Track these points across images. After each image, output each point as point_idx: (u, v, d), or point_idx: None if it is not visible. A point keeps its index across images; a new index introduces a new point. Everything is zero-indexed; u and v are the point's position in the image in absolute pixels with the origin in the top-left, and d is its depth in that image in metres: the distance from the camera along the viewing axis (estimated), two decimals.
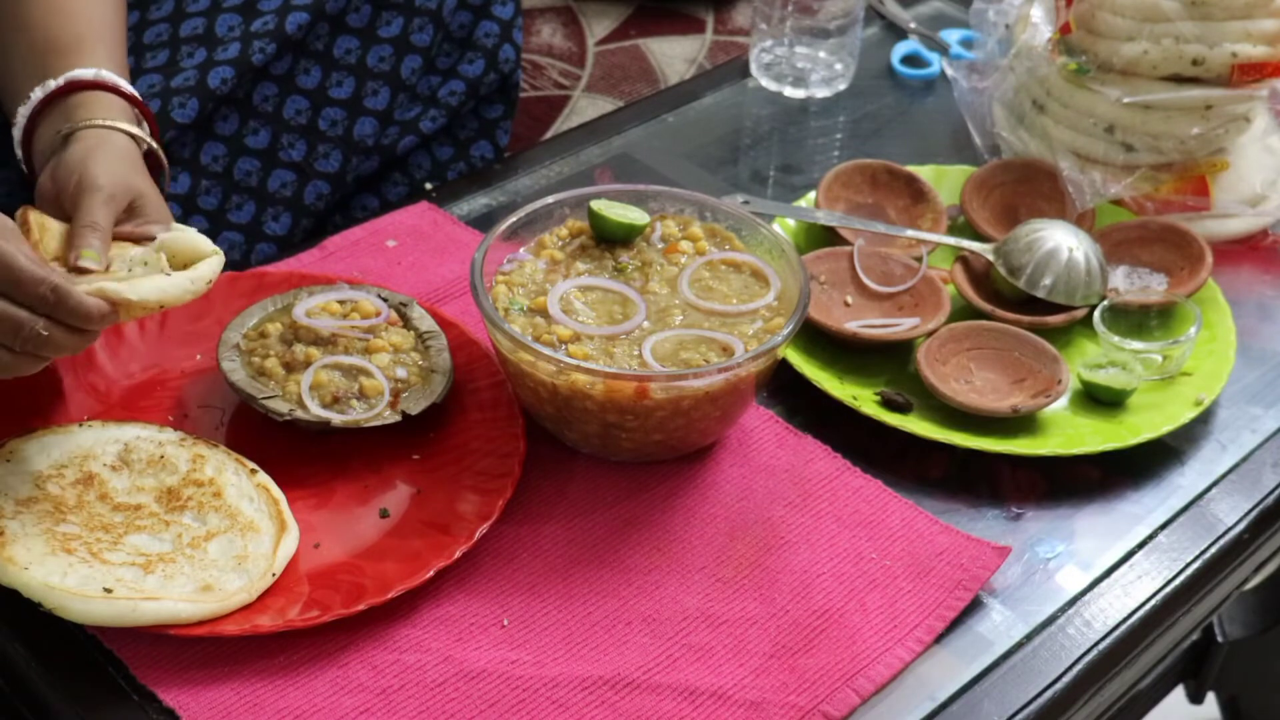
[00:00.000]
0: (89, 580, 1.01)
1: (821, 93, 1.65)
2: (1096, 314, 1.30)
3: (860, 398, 1.24)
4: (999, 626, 1.09)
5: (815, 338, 1.28)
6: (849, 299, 1.32)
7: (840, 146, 1.59)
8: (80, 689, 1.01)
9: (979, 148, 1.54)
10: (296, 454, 1.15)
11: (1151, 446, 1.23)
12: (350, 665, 1.02)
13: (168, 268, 1.09)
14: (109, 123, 1.17)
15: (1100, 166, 1.44)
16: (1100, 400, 1.26)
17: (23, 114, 1.20)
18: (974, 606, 1.10)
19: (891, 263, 1.34)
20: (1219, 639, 1.76)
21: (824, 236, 1.40)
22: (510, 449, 1.15)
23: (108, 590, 1.00)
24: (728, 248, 1.23)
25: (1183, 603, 1.16)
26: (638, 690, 1.02)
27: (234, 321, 1.21)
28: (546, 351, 1.10)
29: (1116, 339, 1.28)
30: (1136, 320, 1.32)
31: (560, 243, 1.23)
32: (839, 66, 1.65)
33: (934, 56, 1.71)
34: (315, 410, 1.14)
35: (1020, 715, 1.05)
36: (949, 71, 1.59)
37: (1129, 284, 1.37)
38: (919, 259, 1.34)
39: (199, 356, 1.23)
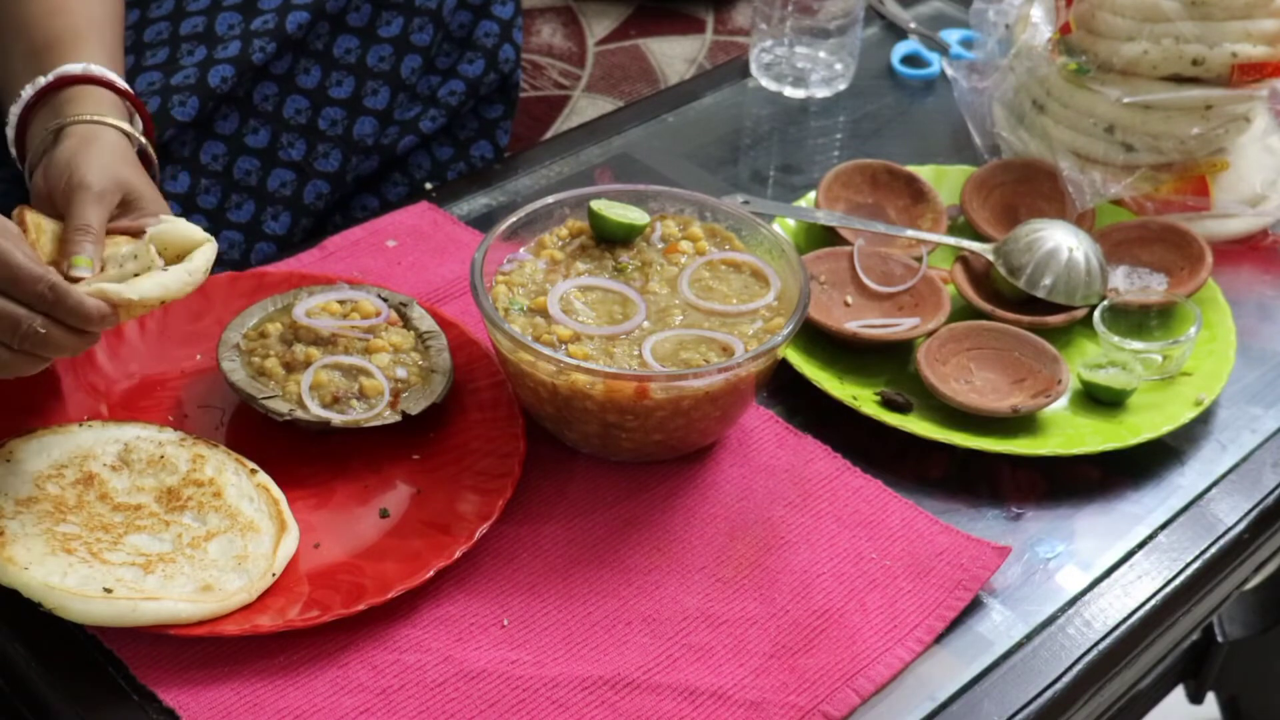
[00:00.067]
0: (89, 580, 1.01)
1: (821, 93, 1.65)
2: (1096, 314, 1.30)
3: (860, 398, 1.24)
4: (999, 626, 1.09)
5: (815, 338, 1.28)
6: (849, 299, 1.32)
7: (840, 146, 1.59)
8: (80, 689, 1.01)
9: (979, 148, 1.54)
10: (296, 454, 1.15)
11: (1151, 446, 1.23)
12: (350, 665, 1.02)
13: (158, 259, 1.09)
14: (97, 117, 1.16)
15: (1100, 166, 1.44)
16: (1100, 400, 1.26)
17: (14, 112, 1.20)
18: (974, 606, 1.10)
19: (891, 263, 1.34)
20: (1219, 639, 1.76)
21: (824, 236, 1.40)
22: (510, 449, 1.15)
23: (108, 590, 1.00)
24: (728, 248, 1.23)
25: (1183, 603, 1.16)
26: (638, 690, 1.02)
27: (234, 321, 1.21)
28: (546, 351, 1.10)
29: (1116, 339, 1.28)
30: (1136, 320, 1.32)
31: (560, 243, 1.23)
32: (839, 66, 1.65)
33: (934, 56, 1.71)
34: (315, 410, 1.14)
35: (1020, 715, 1.05)
36: (949, 71, 1.59)
37: (1129, 284, 1.37)
38: (919, 259, 1.34)
39: (199, 356, 1.23)
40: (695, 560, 1.11)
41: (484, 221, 1.42)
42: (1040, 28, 1.50)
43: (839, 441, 1.21)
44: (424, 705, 1.01)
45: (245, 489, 1.10)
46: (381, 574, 1.06)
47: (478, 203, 1.46)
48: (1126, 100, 1.41)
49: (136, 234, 1.12)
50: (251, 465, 1.12)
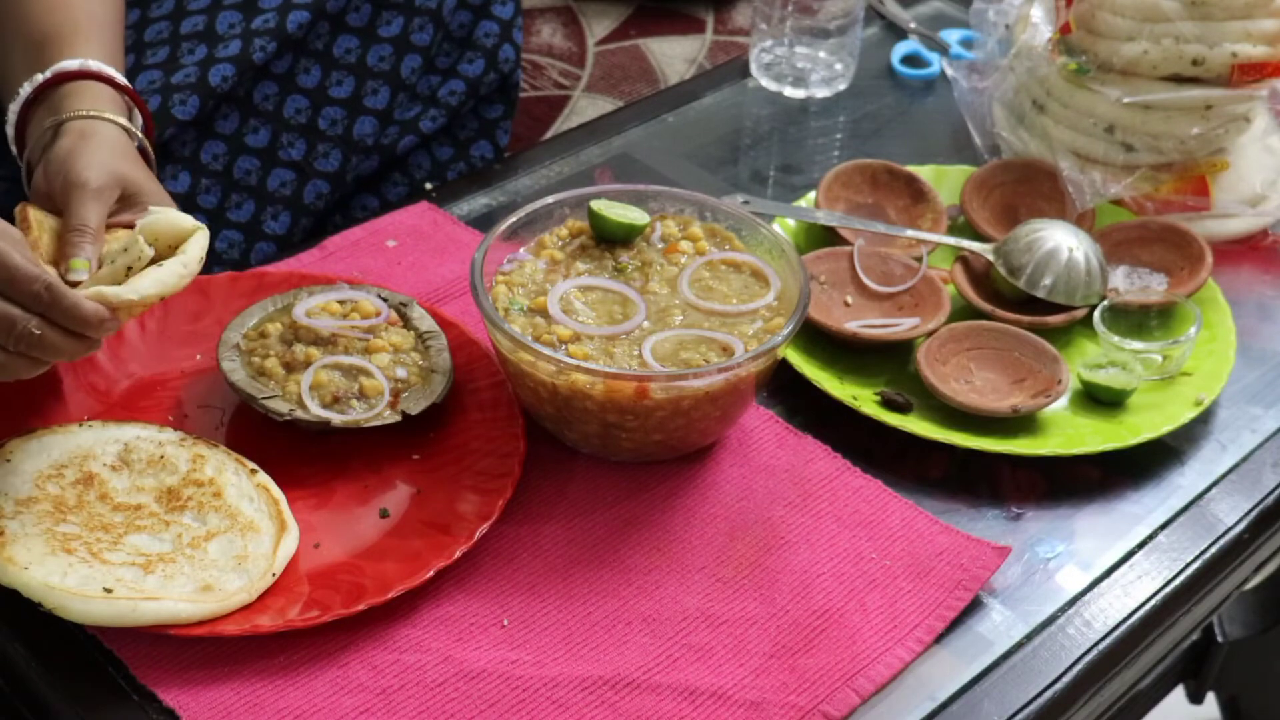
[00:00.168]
0: (89, 580, 1.01)
1: (821, 93, 1.65)
2: (1096, 314, 1.30)
3: (860, 398, 1.24)
4: (999, 626, 1.09)
5: (815, 338, 1.28)
6: (849, 299, 1.32)
7: (840, 146, 1.59)
8: (80, 689, 1.01)
9: (979, 148, 1.54)
10: (296, 454, 1.15)
11: (1151, 446, 1.23)
12: (350, 665, 1.02)
13: (148, 250, 1.09)
14: (95, 112, 1.16)
15: (1100, 166, 1.44)
16: (1100, 400, 1.26)
17: (13, 109, 1.20)
18: (974, 606, 1.10)
19: (891, 263, 1.34)
20: (1219, 639, 1.76)
21: (824, 236, 1.40)
22: (510, 449, 1.15)
23: (108, 590, 1.00)
24: (728, 248, 1.23)
25: (1183, 603, 1.16)
26: (638, 690, 1.02)
27: (234, 321, 1.21)
28: (546, 351, 1.10)
29: (1116, 339, 1.28)
30: (1136, 320, 1.32)
31: (560, 243, 1.23)
32: (839, 66, 1.65)
33: (934, 56, 1.71)
34: (315, 410, 1.14)
35: (1020, 715, 1.05)
36: (949, 71, 1.59)
37: (1129, 284, 1.37)
38: (919, 259, 1.34)
39: (199, 356, 1.23)
40: (695, 560, 1.11)
41: (484, 221, 1.42)
42: (1040, 28, 1.50)
43: (839, 441, 1.21)
44: (424, 705, 1.01)
45: (245, 489, 1.10)
46: (381, 574, 1.06)
47: (478, 203, 1.46)
48: (1126, 100, 1.41)
49: (132, 227, 1.12)
50: (251, 465, 1.12)
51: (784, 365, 1.24)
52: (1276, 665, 1.87)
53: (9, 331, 1.01)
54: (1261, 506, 1.21)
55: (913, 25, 1.77)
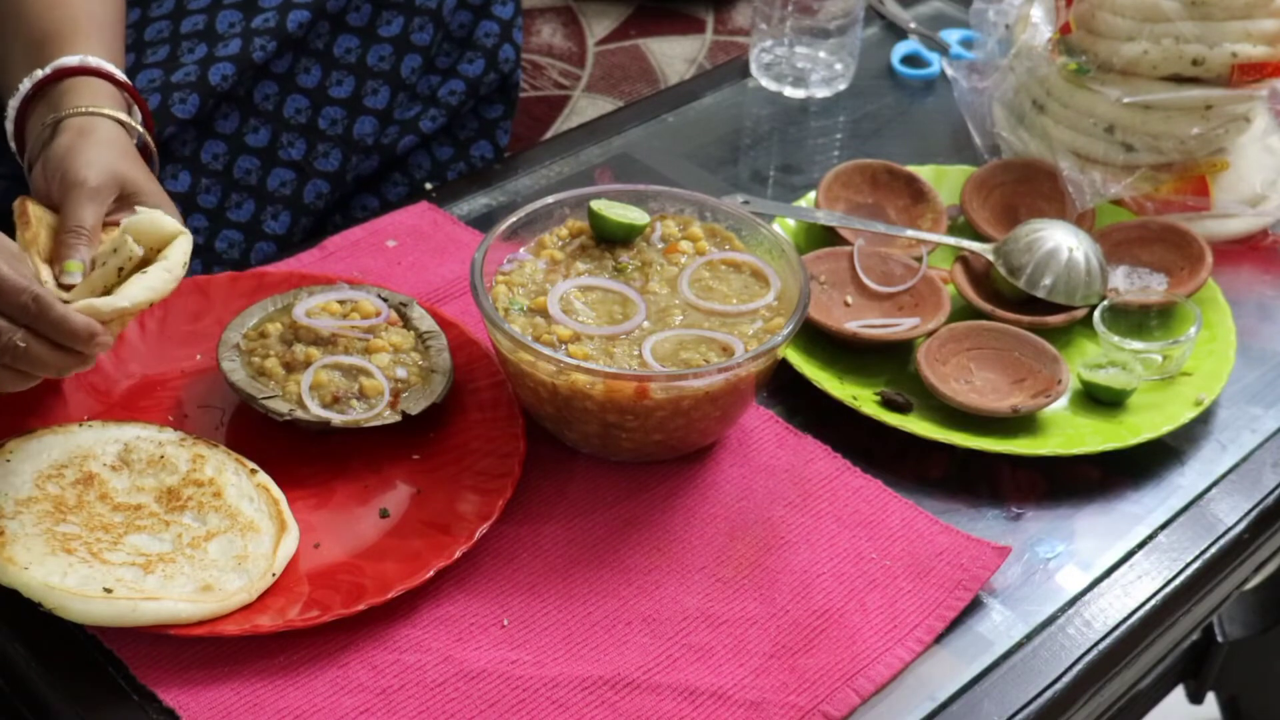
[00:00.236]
0: (89, 580, 1.01)
1: (821, 93, 1.65)
2: (1096, 314, 1.30)
3: (860, 398, 1.24)
4: (999, 626, 1.09)
5: (815, 338, 1.28)
6: (849, 299, 1.32)
7: (840, 146, 1.59)
8: (80, 689, 1.01)
9: (979, 148, 1.54)
10: (296, 454, 1.15)
11: (1151, 446, 1.23)
12: (350, 665, 1.02)
13: (137, 250, 1.09)
14: (93, 109, 1.16)
15: (1100, 166, 1.44)
16: (1100, 400, 1.26)
17: (13, 106, 1.20)
18: (974, 606, 1.10)
19: (891, 263, 1.34)
20: (1219, 639, 1.76)
21: (824, 236, 1.40)
22: (510, 449, 1.15)
23: (108, 590, 1.00)
24: (728, 248, 1.23)
25: (1183, 603, 1.16)
26: (638, 690, 1.02)
27: (234, 321, 1.21)
28: (546, 351, 1.10)
29: (1116, 339, 1.28)
30: (1136, 320, 1.32)
31: (560, 243, 1.23)
32: (839, 66, 1.65)
33: (934, 56, 1.71)
34: (315, 410, 1.14)
35: (1020, 715, 1.05)
36: (949, 71, 1.59)
37: (1129, 284, 1.37)
38: (919, 259, 1.34)
39: (199, 356, 1.23)
40: (695, 560, 1.11)
41: (484, 221, 1.42)
42: (1040, 28, 1.50)
43: (839, 441, 1.21)
44: (424, 705, 1.01)
45: (245, 489, 1.10)
46: (381, 574, 1.06)
47: (478, 203, 1.46)
48: (1126, 100, 1.41)
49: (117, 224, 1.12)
50: (251, 465, 1.12)
51: (784, 365, 1.24)
52: (1276, 665, 1.87)
53: None
54: (1261, 506, 1.21)
55: (913, 25, 1.77)
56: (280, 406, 1.14)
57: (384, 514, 1.12)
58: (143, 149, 1.21)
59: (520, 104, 1.60)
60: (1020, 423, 1.23)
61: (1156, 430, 1.23)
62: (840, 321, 1.28)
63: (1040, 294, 1.32)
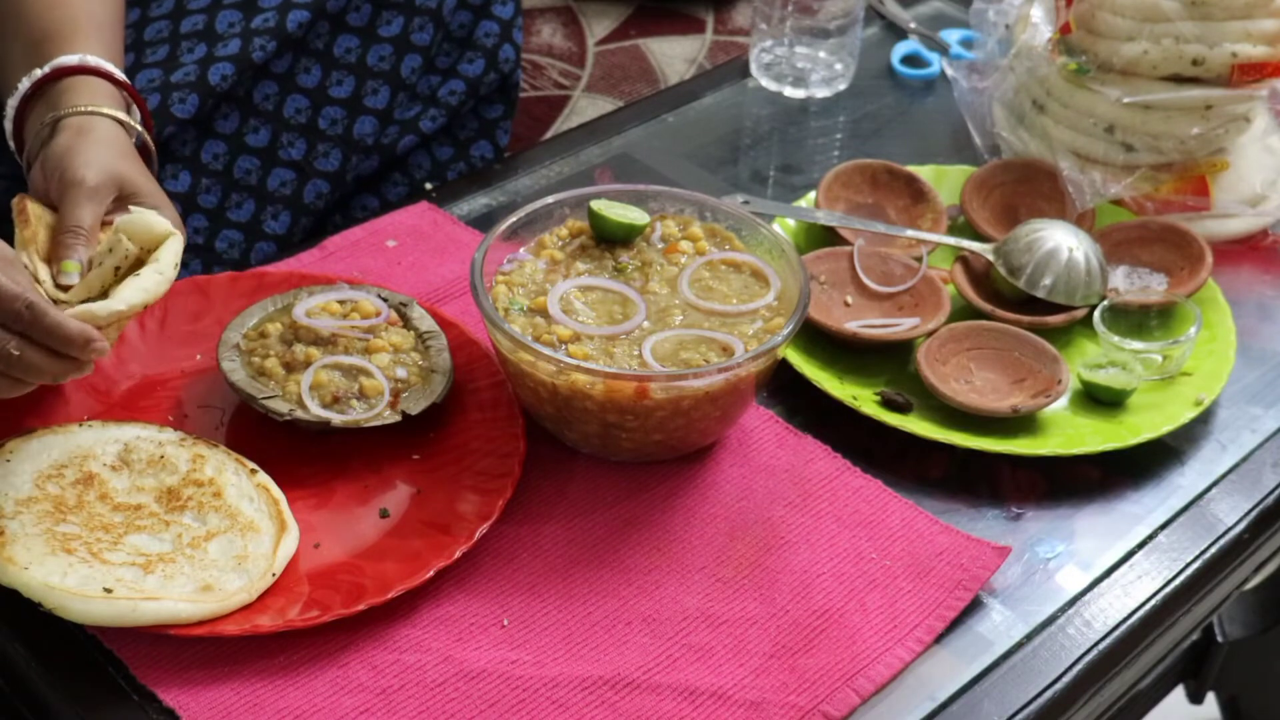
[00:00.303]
0: (89, 580, 1.01)
1: (821, 93, 1.65)
2: (1096, 314, 1.30)
3: (860, 398, 1.24)
4: (999, 626, 1.09)
5: (815, 338, 1.28)
6: (849, 299, 1.32)
7: (840, 146, 1.59)
8: (80, 689, 1.01)
9: (979, 148, 1.54)
10: (296, 454, 1.15)
11: (1151, 446, 1.23)
12: (350, 665, 1.02)
13: (132, 249, 1.09)
14: (92, 108, 1.16)
15: (1100, 166, 1.44)
16: (1100, 400, 1.26)
17: (12, 105, 1.20)
18: (974, 606, 1.10)
19: (891, 263, 1.34)
20: (1219, 639, 1.76)
21: (824, 236, 1.40)
22: (510, 449, 1.15)
23: (108, 590, 1.00)
24: (728, 248, 1.23)
25: (1183, 603, 1.16)
26: (638, 690, 1.02)
27: (234, 321, 1.21)
28: (546, 351, 1.10)
29: (1116, 339, 1.28)
30: (1136, 320, 1.32)
31: (560, 243, 1.23)
32: (839, 66, 1.65)
33: (934, 56, 1.71)
34: (315, 410, 1.14)
35: (1020, 715, 1.05)
36: (949, 71, 1.59)
37: (1129, 284, 1.37)
38: (919, 259, 1.34)
39: (199, 356, 1.23)
40: (695, 560, 1.11)
41: (484, 221, 1.42)
42: (1040, 28, 1.50)
43: (839, 441, 1.21)
44: (424, 705, 1.01)
45: (245, 489, 1.10)
46: (381, 574, 1.06)
47: (478, 203, 1.46)
48: (1126, 100, 1.41)
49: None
50: (251, 465, 1.12)
51: (784, 365, 1.24)
52: (1276, 665, 1.87)
53: None
54: (1261, 506, 1.21)
55: (913, 25, 1.77)
56: (280, 406, 1.14)
57: (384, 514, 1.12)
58: (142, 148, 1.21)
59: (520, 104, 1.60)
60: (1020, 423, 1.23)
61: (1156, 430, 1.23)
62: (840, 321, 1.28)
63: (1040, 294, 1.32)
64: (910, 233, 1.38)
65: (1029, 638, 1.09)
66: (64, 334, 1.01)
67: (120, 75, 1.20)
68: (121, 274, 1.09)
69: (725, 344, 1.14)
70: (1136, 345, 1.28)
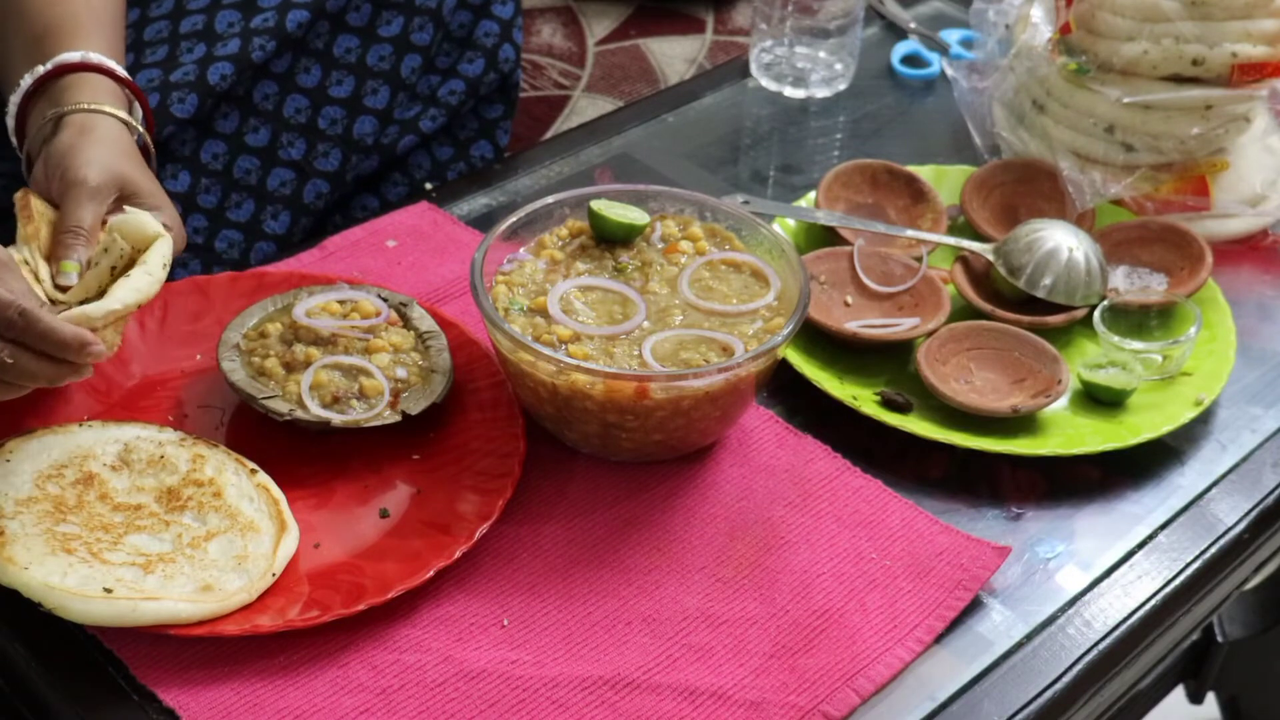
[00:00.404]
0: (89, 580, 1.01)
1: (821, 93, 1.65)
2: (1096, 314, 1.30)
3: (860, 398, 1.24)
4: (999, 626, 1.09)
5: (815, 338, 1.28)
6: (849, 299, 1.32)
7: (840, 146, 1.59)
8: (80, 689, 1.01)
9: (979, 148, 1.54)
10: (296, 454, 1.15)
11: (1151, 446, 1.23)
12: (350, 665, 1.02)
13: (127, 247, 1.09)
14: (95, 106, 1.16)
15: (1100, 166, 1.44)
16: (1100, 400, 1.26)
17: (14, 102, 1.20)
18: (974, 606, 1.10)
19: (891, 263, 1.34)
20: (1219, 639, 1.76)
21: (824, 236, 1.40)
22: (510, 449, 1.15)
23: (108, 590, 1.00)
24: (728, 248, 1.23)
25: (1183, 603, 1.16)
26: (638, 690, 1.02)
27: (234, 321, 1.21)
28: (546, 351, 1.10)
29: (1116, 339, 1.28)
30: (1136, 320, 1.32)
31: (560, 243, 1.23)
32: (839, 66, 1.65)
33: (934, 56, 1.71)
34: (315, 410, 1.14)
35: (1020, 715, 1.05)
36: (949, 71, 1.59)
37: (1129, 284, 1.37)
38: (919, 259, 1.34)
39: (199, 356, 1.23)
40: (695, 560, 1.11)
41: (484, 221, 1.42)
42: (1040, 28, 1.50)
43: (839, 441, 1.21)
44: (424, 705, 1.01)
45: (245, 489, 1.10)
46: (381, 574, 1.06)
47: (478, 203, 1.46)
48: (1126, 100, 1.41)
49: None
50: (251, 465, 1.12)
51: (784, 365, 1.24)
52: (1276, 665, 1.87)
53: None
54: (1261, 506, 1.21)
55: (913, 25, 1.77)
56: (280, 406, 1.14)
57: (384, 514, 1.12)
58: (142, 147, 1.21)
59: (520, 104, 1.60)
60: (1020, 423, 1.23)
61: (1156, 430, 1.23)
62: (840, 321, 1.28)
63: (1040, 294, 1.32)
64: (910, 233, 1.38)
65: (1029, 638, 1.09)
66: (58, 339, 1.01)
67: (122, 72, 1.20)
68: (117, 274, 1.09)
69: (725, 344, 1.14)
70: (1136, 345, 1.28)
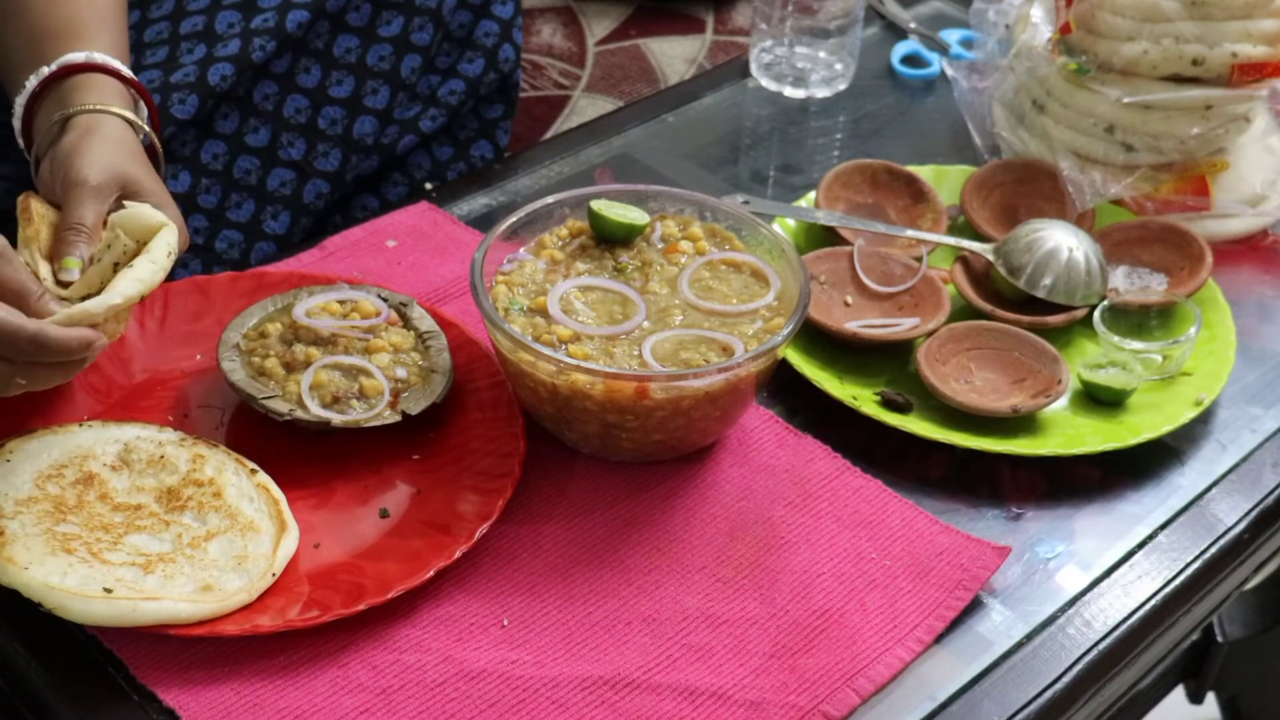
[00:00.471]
0: (89, 580, 1.01)
1: (821, 93, 1.65)
2: (1096, 314, 1.30)
3: (860, 398, 1.24)
4: (999, 626, 1.09)
5: (815, 338, 1.28)
6: (849, 299, 1.32)
7: (840, 146, 1.59)
8: (80, 689, 1.01)
9: (979, 148, 1.54)
10: (296, 454, 1.15)
11: (1151, 446, 1.23)
12: (350, 665, 1.02)
13: (130, 244, 1.09)
14: (102, 106, 1.16)
15: (1100, 166, 1.44)
16: (1100, 400, 1.26)
17: (20, 103, 1.20)
18: (974, 606, 1.10)
19: (891, 263, 1.34)
20: (1219, 639, 1.76)
21: (824, 236, 1.40)
22: (510, 449, 1.15)
23: (108, 590, 1.00)
24: (728, 248, 1.23)
25: (1183, 603, 1.16)
26: (638, 690, 1.02)
27: (234, 321, 1.21)
28: (546, 351, 1.10)
29: (1116, 339, 1.28)
30: (1136, 320, 1.32)
31: (560, 243, 1.23)
32: (839, 66, 1.65)
33: (934, 56, 1.71)
34: (315, 410, 1.14)
35: (1020, 715, 1.05)
36: (949, 71, 1.59)
37: (1129, 284, 1.37)
38: (919, 259, 1.34)
39: (199, 356, 1.23)
40: (695, 560, 1.11)
41: (484, 221, 1.42)
42: (1040, 28, 1.50)
43: (839, 441, 1.21)
44: (424, 705, 1.01)
45: (245, 489, 1.10)
46: (381, 574, 1.06)
47: (478, 203, 1.46)
48: (1126, 100, 1.41)
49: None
50: (251, 465, 1.12)
51: (784, 365, 1.24)
52: (1276, 665, 1.87)
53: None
54: (1261, 506, 1.21)
55: (913, 25, 1.77)
56: (280, 406, 1.14)
57: (384, 514, 1.12)
58: (149, 148, 1.21)
59: (520, 104, 1.60)
60: (1020, 423, 1.23)
61: (1156, 430, 1.23)
62: (840, 321, 1.28)
63: (1040, 294, 1.32)
64: (910, 233, 1.38)
65: (1029, 638, 1.09)
66: (67, 348, 1.02)
67: (128, 73, 1.20)
68: (120, 270, 1.09)
69: (725, 344, 1.14)
70: (1136, 345, 1.28)
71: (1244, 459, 1.25)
